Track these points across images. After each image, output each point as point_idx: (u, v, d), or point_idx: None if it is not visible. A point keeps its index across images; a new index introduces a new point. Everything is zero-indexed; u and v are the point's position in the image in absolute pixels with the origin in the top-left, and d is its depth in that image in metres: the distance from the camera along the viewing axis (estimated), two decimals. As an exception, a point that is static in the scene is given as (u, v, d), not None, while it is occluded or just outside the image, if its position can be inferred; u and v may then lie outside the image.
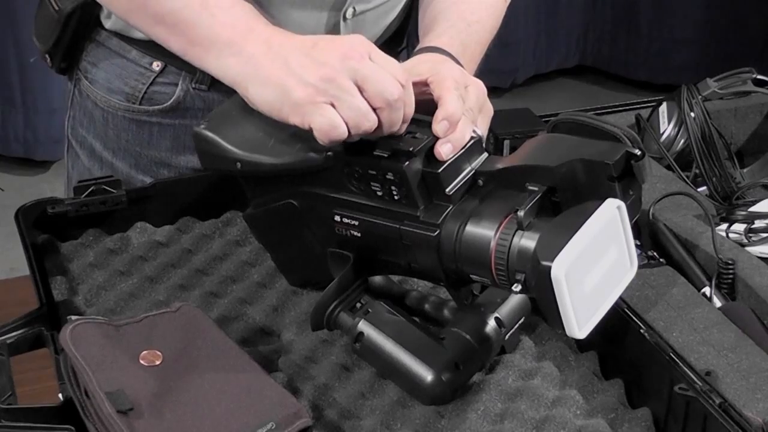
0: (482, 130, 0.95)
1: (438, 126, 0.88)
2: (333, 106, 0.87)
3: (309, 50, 0.90)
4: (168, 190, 1.16)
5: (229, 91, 1.20)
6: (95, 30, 1.21)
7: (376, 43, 1.23)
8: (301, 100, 0.88)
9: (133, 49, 1.19)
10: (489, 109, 0.98)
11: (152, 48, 1.17)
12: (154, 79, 1.19)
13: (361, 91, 0.87)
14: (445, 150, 0.87)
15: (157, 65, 1.19)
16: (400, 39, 1.28)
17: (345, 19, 1.16)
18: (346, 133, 0.87)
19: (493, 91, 3.49)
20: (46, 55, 1.24)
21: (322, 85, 0.87)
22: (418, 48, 1.05)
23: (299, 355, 0.96)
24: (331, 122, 0.87)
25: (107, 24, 1.19)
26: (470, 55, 1.06)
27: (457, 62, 1.01)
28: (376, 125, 0.87)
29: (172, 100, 1.19)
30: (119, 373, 0.85)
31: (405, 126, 0.89)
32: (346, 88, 0.87)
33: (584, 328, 0.80)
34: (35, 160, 3.17)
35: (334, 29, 1.16)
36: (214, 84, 1.17)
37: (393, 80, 0.87)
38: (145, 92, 1.20)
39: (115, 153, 1.24)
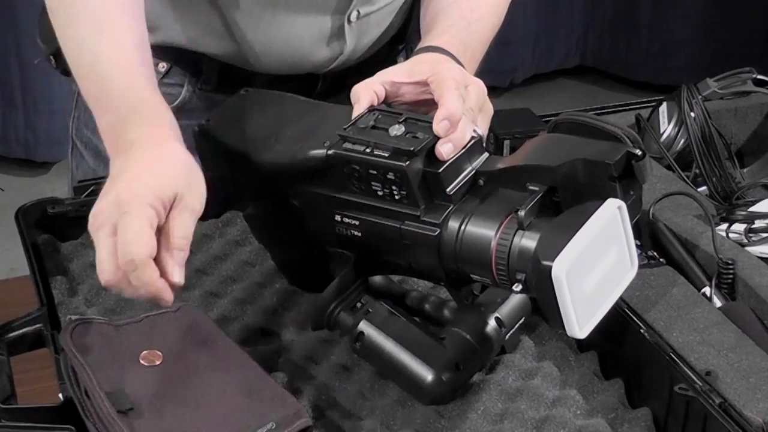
0: (482, 130, 0.95)
1: (439, 126, 0.88)
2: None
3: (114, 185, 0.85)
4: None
5: (235, 92, 1.21)
6: None
7: (378, 43, 1.23)
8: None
9: None
10: (489, 109, 0.98)
11: (157, 51, 1.17)
12: (159, 81, 1.19)
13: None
14: (446, 150, 0.87)
15: (162, 66, 1.19)
16: (401, 37, 1.28)
17: (349, 22, 1.16)
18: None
19: (492, 91, 3.49)
20: (51, 57, 1.24)
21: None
22: (418, 47, 1.05)
23: (299, 355, 0.96)
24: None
25: None
26: (471, 53, 1.06)
27: (458, 61, 1.01)
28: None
29: (177, 101, 1.19)
30: (119, 373, 0.85)
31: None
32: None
33: (585, 328, 0.80)
34: (36, 161, 3.17)
35: (338, 32, 1.16)
36: (221, 85, 1.17)
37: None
38: None
39: None
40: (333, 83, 1.24)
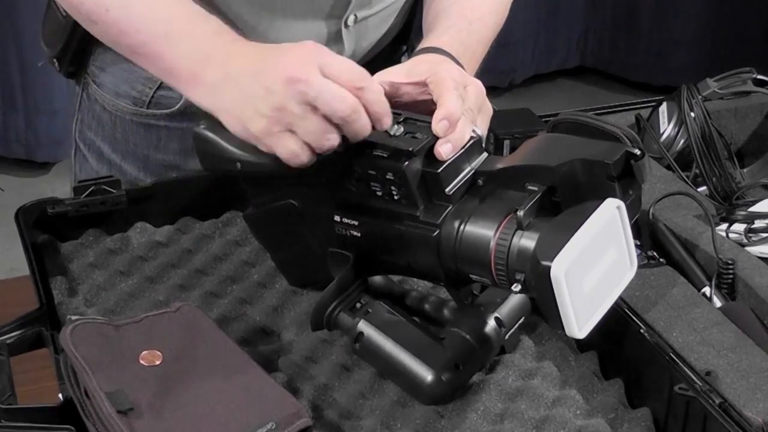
0: (482, 130, 0.95)
1: (438, 126, 0.88)
2: (293, 131, 0.86)
3: (259, 74, 0.88)
4: (168, 190, 1.16)
5: None
6: None
7: (379, 45, 1.23)
8: (260, 131, 0.88)
9: None
10: (488, 109, 0.98)
11: None
12: (161, 84, 1.19)
13: (315, 110, 0.86)
14: (445, 150, 0.87)
15: None
16: (404, 38, 1.28)
17: (347, 26, 1.16)
18: (311, 156, 0.87)
19: (492, 91, 3.47)
20: (54, 60, 1.24)
21: (275, 114, 0.86)
22: (418, 48, 1.05)
23: (299, 355, 0.96)
24: (293, 151, 0.87)
25: None
26: (471, 54, 1.06)
27: (457, 62, 1.01)
28: (339, 140, 0.87)
29: (179, 105, 1.20)
30: (119, 373, 0.85)
31: (388, 119, 0.88)
32: (298, 114, 0.86)
33: (584, 328, 0.80)
34: (36, 162, 3.17)
35: (336, 36, 1.16)
36: None
37: (343, 94, 0.85)
38: (153, 96, 1.20)
39: (124, 156, 1.24)
40: None
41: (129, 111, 1.21)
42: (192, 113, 1.19)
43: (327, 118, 0.86)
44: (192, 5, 0.99)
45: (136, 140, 1.22)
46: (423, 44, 1.06)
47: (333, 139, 0.87)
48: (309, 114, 0.86)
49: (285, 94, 0.86)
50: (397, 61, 1.30)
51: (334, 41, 1.16)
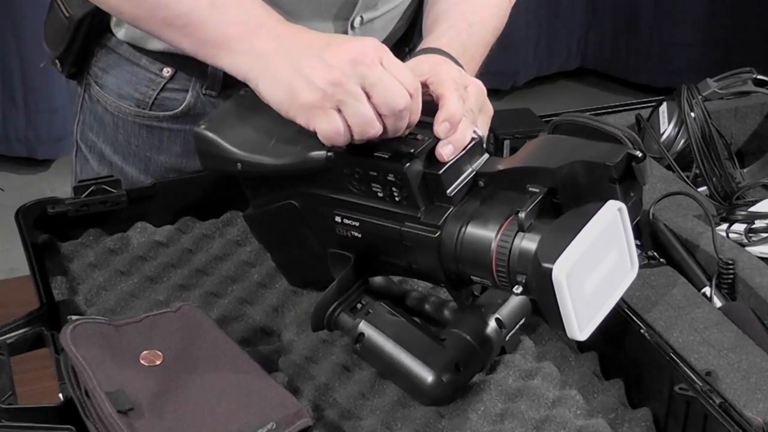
0: (482, 131, 0.95)
1: (439, 127, 0.88)
2: (339, 110, 0.87)
3: (321, 51, 0.89)
4: (168, 190, 1.16)
5: None
6: (105, 36, 1.21)
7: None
8: (308, 103, 0.88)
9: (143, 57, 1.19)
10: (489, 110, 0.98)
11: (162, 57, 1.17)
12: (164, 86, 1.19)
13: (368, 97, 0.86)
14: (446, 151, 0.87)
15: (167, 71, 1.19)
16: (408, 40, 1.28)
17: (353, 27, 1.16)
18: (349, 139, 0.87)
19: (494, 93, 3.46)
20: (57, 61, 1.24)
21: (330, 89, 0.87)
22: (418, 49, 1.05)
23: (299, 355, 0.96)
24: (336, 129, 0.87)
25: (119, 33, 1.19)
26: (471, 55, 1.06)
27: (457, 62, 1.01)
28: (380, 132, 0.87)
29: (182, 106, 1.19)
30: (119, 373, 0.85)
31: (408, 130, 0.89)
32: (353, 94, 0.86)
33: (585, 330, 0.80)
34: (36, 159, 3.17)
35: None
36: (224, 90, 1.17)
37: (401, 89, 0.86)
38: (156, 98, 1.20)
39: (125, 158, 1.24)
40: None
41: (131, 113, 1.21)
42: (195, 115, 1.19)
43: (376, 108, 0.86)
44: None
45: (138, 142, 1.22)
46: (423, 45, 1.06)
47: (376, 129, 0.87)
48: (362, 98, 0.86)
49: (346, 71, 0.86)
50: None
51: None
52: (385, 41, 1.22)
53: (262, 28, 0.94)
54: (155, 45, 1.17)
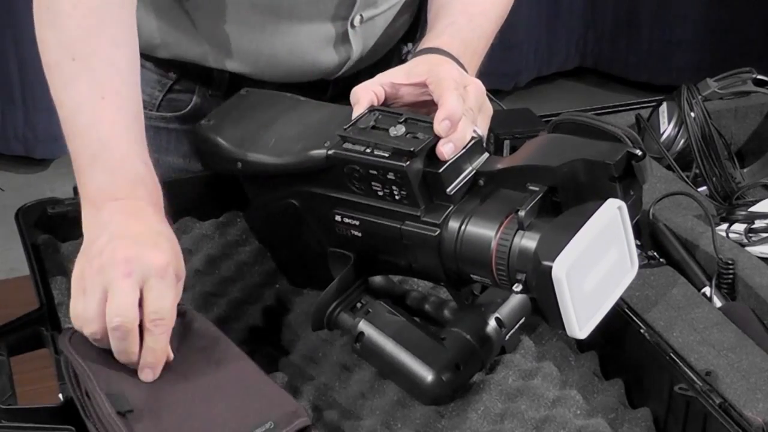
0: (482, 130, 0.95)
1: (440, 126, 0.88)
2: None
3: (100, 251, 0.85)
4: (168, 190, 1.16)
5: None
6: None
7: (388, 44, 1.22)
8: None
9: (147, 61, 1.18)
10: (488, 109, 0.98)
11: (166, 64, 1.17)
12: (170, 87, 1.19)
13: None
14: (446, 150, 0.87)
15: (172, 75, 1.19)
16: (412, 36, 1.27)
17: (353, 26, 1.16)
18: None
19: (496, 94, 3.47)
20: None
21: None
22: (418, 49, 1.05)
23: (299, 355, 0.96)
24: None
25: None
26: (472, 51, 1.05)
27: (458, 62, 1.01)
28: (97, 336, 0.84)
29: (189, 107, 1.19)
30: (119, 374, 0.85)
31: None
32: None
33: (585, 328, 0.80)
34: (35, 159, 3.17)
35: (343, 37, 1.16)
36: (230, 91, 1.18)
37: (127, 310, 0.82)
38: (162, 99, 1.20)
39: None
40: (344, 89, 1.24)
41: None
42: (203, 115, 1.19)
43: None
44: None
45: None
46: (423, 44, 1.06)
47: (91, 330, 0.84)
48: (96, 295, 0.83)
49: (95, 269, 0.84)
50: (403, 61, 1.30)
51: (342, 42, 1.16)
52: (389, 38, 1.22)
53: (115, 201, 0.90)
54: (161, 53, 1.17)
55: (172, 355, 0.85)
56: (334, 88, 1.22)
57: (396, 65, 1.22)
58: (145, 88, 1.19)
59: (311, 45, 1.15)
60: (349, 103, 1.20)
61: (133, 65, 0.97)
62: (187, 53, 1.17)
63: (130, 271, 0.82)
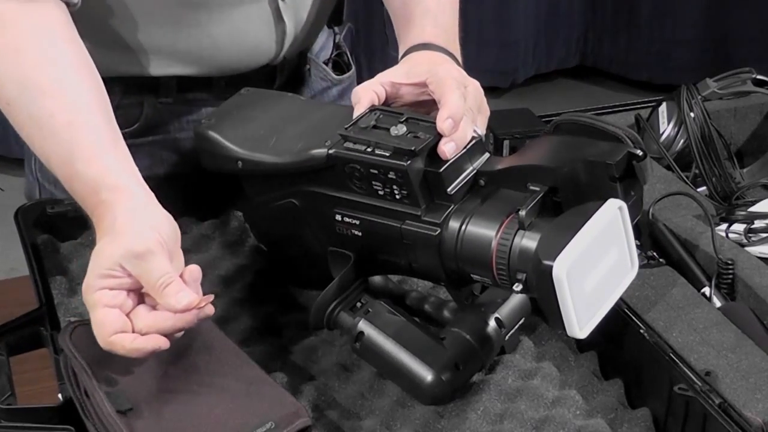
0: (481, 130, 0.95)
1: (444, 125, 0.88)
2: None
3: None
4: (167, 190, 1.16)
5: (195, 100, 1.20)
6: None
7: (317, 24, 1.23)
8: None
9: None
10: (486, 109, 0.98)
11: (108, 83, 1.16)
12: (119, 103, 1.17)
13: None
14: (448, 149, 0.87)
15: (116, 92, 1.17)
16: (338, 18, 1.29)
17: (284, 0, 1.16)
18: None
19: (493, 91, 3.47)
20: None
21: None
22: (408, 48, 1.04)
23: (299, 355, 0.96)
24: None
25: None
26: (453, 35, 1.06)
27: (450, 55, 1.01)
28: None
29: (141, 120, 1.18)
30: (119, 373, 0.85)
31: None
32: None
33: (585, 328, 0.80)
34: (34, 160, 3.17)
35: (277, 14, 1.15)
36: (179, 95, 1.17)
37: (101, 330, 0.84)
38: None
39: None
40: (290, 77, 1.25)
41: None
42: (155, 126, 1.18)
43: None
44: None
45: None
46: (409, 42, 1.05)
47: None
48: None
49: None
50: (337, 45, 1.32)
51: (277, 20, 1.16)
52: (317, 16, 1.21)
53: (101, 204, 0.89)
54: (101, 74, 1.15)
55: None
56: (280, 76, 1.22)
57: (333, 50, 1.23)
58: None
59: (248, 26, 1.14)
60: (295, 91, 1.21)
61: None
62: (129, 69, 1.15)
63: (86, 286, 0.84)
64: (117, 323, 0.83)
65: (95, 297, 0.84)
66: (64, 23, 0.98)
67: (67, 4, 1.00)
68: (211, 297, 0.85)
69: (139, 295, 0.85)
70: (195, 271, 0.86)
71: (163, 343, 0.83)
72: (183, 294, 0.83)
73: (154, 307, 0.84)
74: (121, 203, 0.88)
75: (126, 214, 0.87)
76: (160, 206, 0.90)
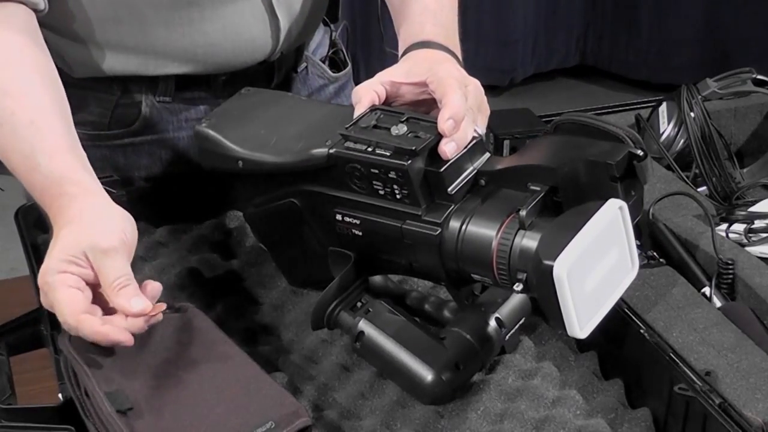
0: (481, 129, 0.95)
1: (445, 125, 0.88)
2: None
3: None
4: (168, 190, 1.16)
5: (194, 99, 1.20)
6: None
7: (312, 21, 1.23)
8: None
9: (90, 84, 1.16)
10: (486, 109, 0.98)
11: (108, 81, 1.16)
12: (117, 102, 1.17)
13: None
14: (449, 148, 0.87)
15: (116, 90, 1.17)
16: (334, 15, 1.29)
17: None
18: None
19: (492, 90, 3.47)
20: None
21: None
22: (408, 45, 1.04)
23: (299, 355, 0.96)
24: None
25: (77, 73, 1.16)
26: (453, 31, 1.06)
27: (453, 54, 1.01)
28: None
29: (140, 119, 1.18)
30: (119, 373, 0.85)
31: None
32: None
33: (585, 328, 0.80)
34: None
35: (270, 10, 1.16)
36: (177, 94, 1.17)
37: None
38: (111, 116, 1.18)
39: None
40: (288, 74, 1.25)
41: (87, 137, 1.11)
42: (153, 124, 1.19)
43: None
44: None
45: (102, 165, 1.17)
46: (410, 38, 1.04)
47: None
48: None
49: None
50: (333, 42, 1.32)
51: (271, 16, 1.16)
52: (311, 12, 1.21)
53: (62, 197, 0.90)
54: (101, 73, 1.16)
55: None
56: (278, 74, 1.22)
57: (329, 47, 1.23)
58: (94, 109, 1.18)
59: (241, 22, 1.15)
60: (292, 89, 1.20)
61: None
62: (126, 68, 1.15)
63: (46, 279, 0.84)
64: (85, 303, 0.84)
65: (57, 278, 0.84)
66: (30, 28, 0.99)
67: (35, 10, 1.00)
68: (164, 306, 0.86)
69: (94, 294, 0.86)
70: (156, 288, 0.87)
71: (129, 340, 0.84)
72: (137, 299, 0.84)
73: (105, 310, 0.85)
74: (86, 198, 0.89)
75: (92, 208, 0.88)
76: (121, 208, 0.90)
